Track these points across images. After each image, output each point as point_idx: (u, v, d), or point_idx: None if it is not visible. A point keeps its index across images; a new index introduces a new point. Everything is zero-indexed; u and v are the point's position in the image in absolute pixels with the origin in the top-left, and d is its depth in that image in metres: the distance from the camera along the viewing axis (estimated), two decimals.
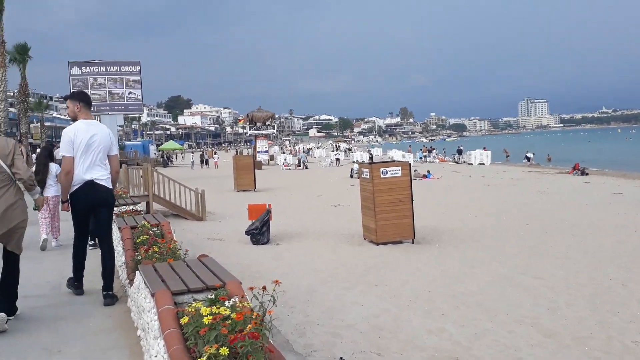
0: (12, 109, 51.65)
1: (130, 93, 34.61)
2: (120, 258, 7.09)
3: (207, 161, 60.39)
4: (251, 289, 3.68)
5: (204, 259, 5.14)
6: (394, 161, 14.89)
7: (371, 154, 43.55)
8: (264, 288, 3.63)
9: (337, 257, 12.46)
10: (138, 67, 34.74)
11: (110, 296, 6.00)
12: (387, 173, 13.09)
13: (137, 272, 5.10)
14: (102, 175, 6.02)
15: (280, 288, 10.10)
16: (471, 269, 10.87)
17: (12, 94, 50.53)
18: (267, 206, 15.22)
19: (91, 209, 6.10)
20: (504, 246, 13.01)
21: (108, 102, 33.91)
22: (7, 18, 40.28)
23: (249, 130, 59.47)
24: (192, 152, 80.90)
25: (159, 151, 73.88)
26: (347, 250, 13.16)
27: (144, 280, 4.56)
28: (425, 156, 53.74)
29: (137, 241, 6.66)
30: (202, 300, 3.82)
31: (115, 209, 10.98)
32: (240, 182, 29.31)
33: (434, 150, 58.27)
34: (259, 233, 14.66)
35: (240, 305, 3.40)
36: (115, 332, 5.04)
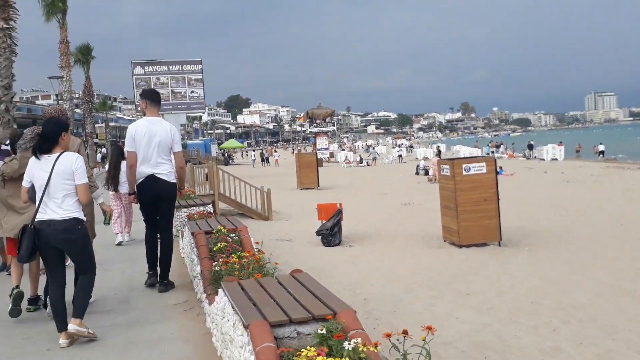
0: (78, 110, 52.69)
1: (192, 92, 34.45)
2: (195, 267, 6.39)
3: (267, 159, 60.21)
4: (388, 335, 2.81)
5: (298, 276, 4.33)
6: (476, 157, 13.80)
7: (439, 150, 42.08)
8: (405, 333, 2.76)
9: (417, 261, 11.52)
10: (200, 66, 34.56)
11: (164, 284, 6.45)
12: (470, 170, 12.05)
13: (220, 290, 4.33)
14: (163, 170, 6.23)
15: (361, 296, 9.34)
16: (572, 275, 9.75)
17: (77, 95, 51.56)
18: (338, 206, 14.42)
19: (153, 201, 6.33)
20: (602, 249, 11.77)
21: (171, 102, 33.81)
22: (71, 23, 41.05)
23: (309, 127, 58.89)
24: (253, 150, 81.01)
25: (220, 149, 74.33)
26: (427, 253, 12.20)
27: (231, 304, 3.78)
28: (492, 152, 51.83)
29: (214, 249, 5.94)
30: (308, 334, 3.01)
31: (185, 209, 10.53)
32: (303, 180, 28.70)
33: (502, 146, 56.17)
34: (331, 234, 13.88)
35: (365, 350, 2.55)
36: None
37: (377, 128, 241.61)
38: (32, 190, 4.86)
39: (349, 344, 2.77)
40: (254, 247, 6.25)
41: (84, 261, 4.98)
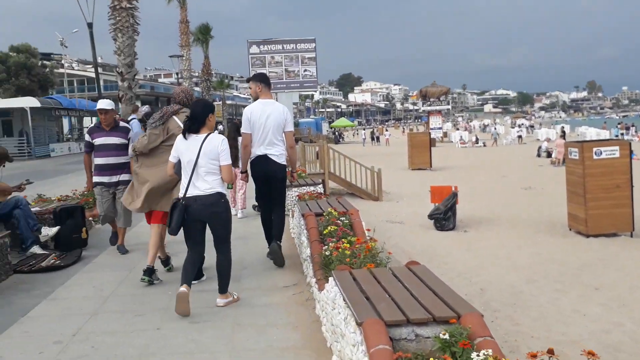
0: (197, 88, 54.62)
1: (305, 70, 34.52)
2: (304, 250, 6.19)
3: (377, 138, 59.69)
4: (532, 356, 2.39)
5: (415, 268, 3.96)
6: (608, 140, 12.68)
7: (563, 131, 39.64)
8: (551, 352, 2.33)
9: (539, 250, 10.77)
10: (313, 44, 34.49)
11: (278, 246, 6.56)
12: (601, 154, 11.06)
13: (331, 279, 4.07)
14: (275, 151, 6.43)
15: (477, 286, 8.79)
16: None
17: (196, 74, 53.43)
18: (452, 188, 13.83)
19: (265, 180, 6.55)
20: None
21: (284, 80, 34.11)
22: (191, 3, 42.50)
23: (422, 106, 57.63)
24: (364, 129, 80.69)
25: (331, 128, 74.64)
26: (550, 242, 11.39)
27: (342, 295, 3.50)
28: (622, 134, 48.16)
29: (325, 232, 5.69)
30: (427, 338, 2.66)
31: (295, 189, 10.42)
32: (414, 161, 28.03)
33: (632, 128, 52.09)
34: (444, 218, 13.35)
35: None
36: (304, 351, 4.06)
37: (494, 107, 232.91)
38: (177, 165, 5.24)
39: (478, 355, 2.40)
40: (366, 233, 5.93)
41: (225, 233, 5.30)
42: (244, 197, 10.48)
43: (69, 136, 43.86)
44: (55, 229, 7.52)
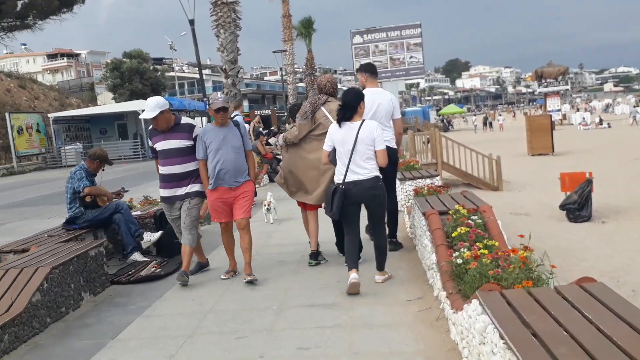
0: (301, 84, 54.61)
1: (411, 57, 33.40)
2: (428, 255, 5.26)
3: (490, 124, 57.02)
4: None
5: (590, 287, 2.95)
6: None
7: None
8: None
9: None
10: (419, 30, 33.22)
11: (393, 243, 6.70)
12: None
13: (475, 301, 3.14)
14: (386, 137, 6.25)
15: (628, 287, 7.40)
16: None
17: (300, 69, 53.39)
18: (587, 175, 12.31)
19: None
20: None
21: (389, 69, 33.14)
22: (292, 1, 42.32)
23: (538, 87, 54.27)
24: (474, 115, 77.72)
25: (439, 116, 72.49)
26: None
27: (498, 330, 2.57)
28: None
29: (453, 235, 4.74)
30: None
31: (410, 182, 9.49)
32: (534, 145, 26.12)
33: None
34: (578, 208, 11.89)
35: None
36: None
37: (615, 85, 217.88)
38: (332, 153, 5.47)
39: None
40: (504, 235, 4.89)
41: (382, 213, 5.63)
42: None
43: None
44: (157, 234, 7.04)
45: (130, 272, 6.34)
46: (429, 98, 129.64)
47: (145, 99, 41.47)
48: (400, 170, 10.20)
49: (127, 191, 7.99)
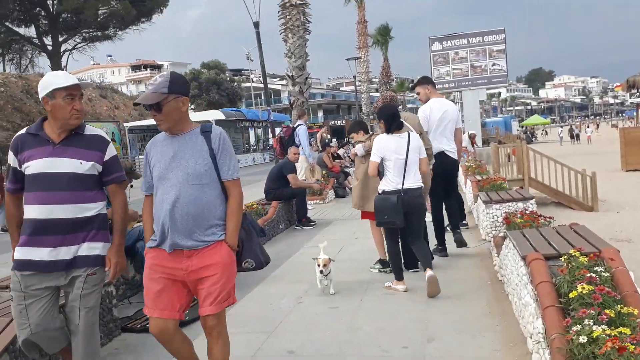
0: (377, 93, 53.30)
1: (493, 64, 31.88)
2: (529, 318, 3.86)
3: (577, 136, 53.67)
4: None
5: None
6: None
7: None
8: None
9: None
10: (502, 36, 31.59)
11: (459, 234, 6.97)
12: None
13: None
14: (450, 147, 6.80)
15: None
16: None
17: (375, 78, 52.12)
18: None
19: (442, 176, 6.75)
20: None
21: (470, 77, 31.73)
22: (369, 6, 41.23)
23: (630, 98, 50.73)
24: (561, 127, 73.86)
25: (522, 127, 69.25)
26: None
27: None
28: None
29: (571, 296, 3.34)
30: None
31: (497, 205, 7.99)
32: (629, 160, 23.73)
33: None
34: None
35: None
36: None
37: None
38: (381, 165, 5.58)
39: None
40: None
41: (422, 225, 5.86)
42: None
43: (255, 147, 44.82)
44: None
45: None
46: (511, 108, 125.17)
47: (222, 109, 41.67)
48: (484, 190, 8.77)
49: None
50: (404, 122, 5.84)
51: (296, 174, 10.26)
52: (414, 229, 5.65)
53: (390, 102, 6.34)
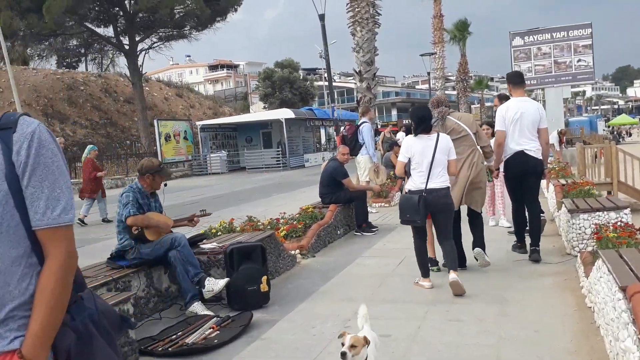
0: (452, 92, 51.56)
1: (579, 60, 30.21)
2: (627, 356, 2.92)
3: None
4: None
5: None
6: None
7: None
8: None
9: None
10: (589, 30, 29.86)
11: (536, 252, 6.53)
12: None
13: None
14: (532, 147, 6.53)
15: None
16: None
17: (451, 75, 50.41)
18: None
19: (521, 176, 6.61)
20: None
21: (553, 73, 30.21)
22: (445, 1, 39.69)
23: None
24: None
25: (608, 127, 65.52)
26: None
27: None
28: None
29: None
30: None
31: (585, 215, 6.90)
32: None
33: None
34: None
35: None
36: None
37: None
38: (408, 164, 5.68)
39: None
40: None
41: (450, 224, 5.79)
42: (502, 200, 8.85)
43: (325, 146, 44.21)
44: (221, 283, 5.19)
45: (173, 336, 4.56)
46: (596, 107, 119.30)
47: (295, 107, 41.22)
48: (569, 197, 7.67)
49: (208, 214, 6.28)
50: (458, 122, 6.24)
51: (349, 176, 9.40)
52: (441, 229, 5.75)
53: (438, 103, 6.52)
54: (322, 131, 45.38)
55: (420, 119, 5.68)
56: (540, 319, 4.60)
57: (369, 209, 10.06)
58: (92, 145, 14.45)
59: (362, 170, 11.15)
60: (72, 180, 14.80)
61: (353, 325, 4.77)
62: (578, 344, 4.06)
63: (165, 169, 5.66)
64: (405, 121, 42.95)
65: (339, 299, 5.60)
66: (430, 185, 5.52)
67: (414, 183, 5.62)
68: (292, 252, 7.32)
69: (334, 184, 9.15)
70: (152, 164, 5.47)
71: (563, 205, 7.26)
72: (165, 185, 5.66)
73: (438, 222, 5.74)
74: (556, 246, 7.24)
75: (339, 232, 8.88)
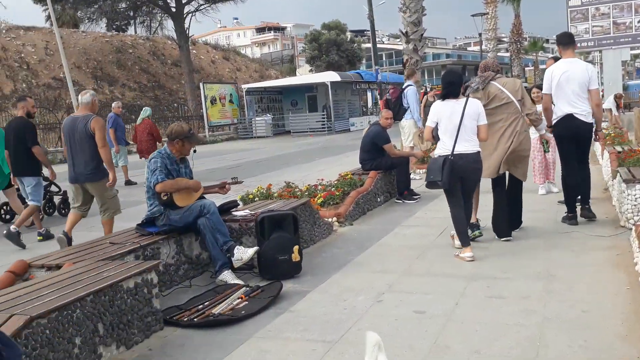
0: (505, 54, 49.88)
1: (639, 21, 28.71)
2: None
3: None
4: None
5: None
6: None
7: None
8: None
9: None
10: None
11: (586, 209, 6.60)
12: None
13: None
14: (581, 110, 6.36)
15: None
16: None
17: (504, 36, 48.72)
18: None
19: (570, 139, 6.44)
20: None
21: (611, 35, 28.91)
22: None
23: None
24: None
25: None
26: None
27: None
28: None
29: None
30: None
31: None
32: None
33: None
34: None
35: None
36: None
37: None
38: (435, 129, 5.70)
39: None
40: None
41: (475, 188, 5.98)
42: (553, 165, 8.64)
43: (372, 110, 43.61)
44: (250, 252, 5.03)
45: (200, 306, 4.43)
46: None
47: (342, 70, 40.58)
48: (625, 165, 7.21)
49: (240, 182, 6.11)
50: (502, 88, 6.01)
51: (391, 142, 9.05)
52: (466, 192, 5.79)
53: (485, 67, 6.27)
54: (369, 94, 44.75)
55: (449, 84, 5.70)
56: (589, 298, 4.29)
57: (412, 176, 9.75)
58: (148, 108, 15.02)
59: (406, 135, 10.79)
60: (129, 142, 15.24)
61: (386, 299, 4.56)
62: (630, 327, 3.75)
63: (195, 135, 5.50)
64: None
65: (373, 270, 5.38)
66: (459, 149, 5.51)
67: (442, 147, 5.62)
68: (329, 219, 7.11)
69: (375, 150, 8.84)
70: (181, 129, 5.29)
71: (618, 174, 6.81)
72: (195, 151, 5.50)
73: (465, 185, 5.73)
74: (609, 218, 6.82)
75: (379, 199, 8.61)
